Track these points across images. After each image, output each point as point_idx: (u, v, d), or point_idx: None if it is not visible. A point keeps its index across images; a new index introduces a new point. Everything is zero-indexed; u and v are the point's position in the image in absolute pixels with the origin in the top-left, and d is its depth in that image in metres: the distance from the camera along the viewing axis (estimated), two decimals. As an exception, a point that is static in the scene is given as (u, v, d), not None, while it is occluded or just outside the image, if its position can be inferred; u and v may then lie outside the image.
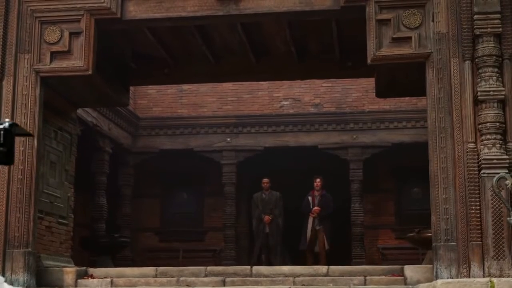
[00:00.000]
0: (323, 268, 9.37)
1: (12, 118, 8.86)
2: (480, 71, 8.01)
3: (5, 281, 1.84)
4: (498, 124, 7.87)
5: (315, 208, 13.62)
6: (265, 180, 14.11)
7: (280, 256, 13.81)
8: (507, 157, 7.83)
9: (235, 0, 8.90)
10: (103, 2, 8.96)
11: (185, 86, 16.04)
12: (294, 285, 8.84)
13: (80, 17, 9.00)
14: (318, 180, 13.82)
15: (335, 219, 14.25)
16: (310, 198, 13.85)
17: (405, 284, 8.59)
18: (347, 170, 15.12)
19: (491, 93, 7.91)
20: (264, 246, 13.86)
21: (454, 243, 7.90)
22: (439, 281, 7.44)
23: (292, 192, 14.15)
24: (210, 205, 16.57)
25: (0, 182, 8.83)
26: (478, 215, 7.77)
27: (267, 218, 13.86)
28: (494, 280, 7.13)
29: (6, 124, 2.71)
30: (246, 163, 15.54)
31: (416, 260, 11.88)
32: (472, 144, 7.97)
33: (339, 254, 13.37)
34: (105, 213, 14.32)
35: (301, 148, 15.18)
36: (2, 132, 2.69)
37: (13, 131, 2.74)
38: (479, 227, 7.77)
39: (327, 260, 12.87)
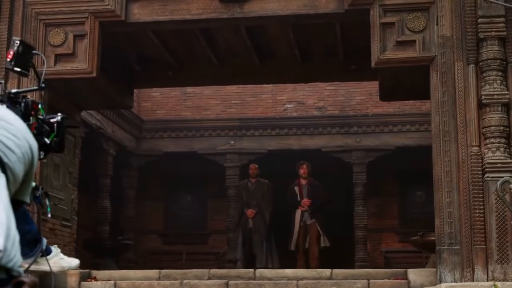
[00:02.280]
0: (326, 271, 9.37)
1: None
2: (484, 74, 8.01)
3: None
4: (502, 127, 7.87)
5: (305, 200, 12.01)
6: (253, 166, 12.79)
7: (266, 253, 12.06)
8: (511, 161, 7.82)
9: (239, 3, 8.91)
10: (108, 5, 8.98)
11: (189, 89, 16.05)
12: (297, 288, 8.84)
13: (84, 19, 9.02)
14: (304, 166, 12.21)
15: (337, 220, 14.22)
16: (296, 188, 12.24)
17: (409, 287, 8.59)
18: (351, 173, 15.10)
19: (495, 96, 7.90)
20: (247, 243, 12.23)
21: (458, 247, 7.89)
22: (443, 285, 7.44)
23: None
24: (213, 208, 16.57)
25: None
26: (482, 218, 7.77)
27: (250, 212, 12.27)
28: (498, 284, 7.13)
29: (59, 118, 3.00)
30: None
31: (419, 264, 11.87)
32: (476, 148, 7.96)
33: (342, 257, 13.32)
34: (108, 215, 14.33)
35: (305, 151, 15.17)
36: (55, 124, 2.98)
37: (64, 123, 3.04)
38: (483, 230, 7.76)
39: (320, 260, 11.73)
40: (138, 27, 9.53)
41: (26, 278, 1.63)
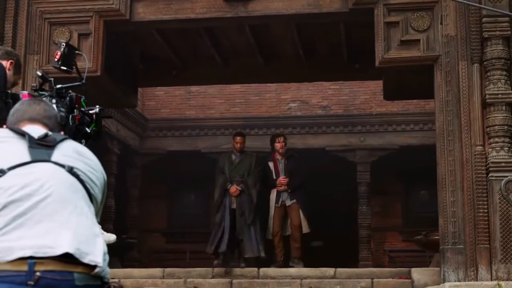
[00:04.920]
0: (330, 270, 9.38)
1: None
2: (488, 74, 8.00)
3: None
4: (506, 127, 7.86)
5: (281, 178, 10.35)
6: (238, 138, 10.68)
7: (256, 240, 10.10)
8: (515, 160, 7.82)
9: (243, 2, 8.92)
10: (112, 4, 8.99)
11: (193, 88, 16.06)
12: (301, 287, 8.85)
13: (89, 18, 9.04)
14: (281, 139, 10.55)
15: (341, 219, 14.19)
16: (271, 164, 10.54)
17: (412, 287, 8.59)
18: (355, 172, 15.10)
19: (500, 96, 7.89)
20: (229, 228, 10.15)
21: (461, 246, 7.88)
22: (447, 284, 7.44)
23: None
24: (217, 207, 16.57)
25: (8, 182, 8.87)
26: (486, 218, 7.76)
27: (234, 188, 10.21)
28: (502, 283, 7.13)
29: (97, 109, 3.39)
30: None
31: (423, 263, 11.86)
32: (480, 147, 7.96)
33: (345, 256, 13.31)
34: (112, 214, 14.34)
35: (309, 150, 15.16)
36: (94, 115, 3.37)
37: (101, 114, 3.42)
38: (486, 230, 7.75)
39: (303, 249, 10.36)
40: (142, 26, 9.54)
41: (115, 284, 2.50)
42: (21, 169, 2.17)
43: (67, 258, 2.04)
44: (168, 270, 9.61)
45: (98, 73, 9.06)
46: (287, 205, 10.33)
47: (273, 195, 10.39)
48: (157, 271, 9.67)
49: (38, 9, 9.11)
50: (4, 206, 2.09)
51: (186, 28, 10.05)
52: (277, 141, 10.53)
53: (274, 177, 10.41)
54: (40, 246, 2.02)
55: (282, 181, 10.30)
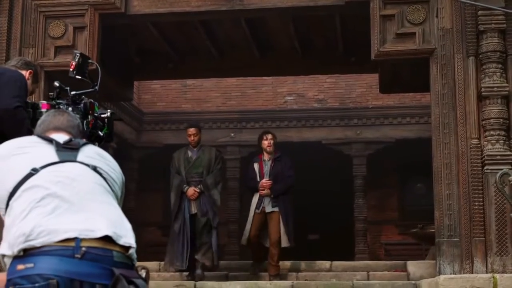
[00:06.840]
0: (326, 263, 9.41)
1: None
2: (484, 67, 8.00)
3: None
4: (502, 120, 7.86)
5: (264, 181, 9.17)
6: (191, 130, 9.32)
7: (212, 251, 8.92)
8: (510, 153, 7.82)
9: (239, -5, 8.90)
10: (107, -3, 8.96)
11: (189, 81, 16.06)
12: (297, 280, 8.86)
13: (84, 11, 9.00)
14: (269, 136, 9.35)
15: (337, 213, 14.17)
16: (256, 165, 9.42)
17: (408, 279, 8.62)
18: (351, 165, 15.12)
19: (495, 89, 7.89)
20: (188, 237, 8.93)
21: (457, 239, 7.89)
22: (442, 277, 7.45)
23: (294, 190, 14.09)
24: (213, 200, 16.57)
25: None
26: (481, 211, 7.77)
27: (191, 191, 9.03)
28: (497, 276, 7.15)
29: (108, 113, 3.61)
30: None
31: (419, 256, 11.90)
32: (476, 140, 7.96)
33: (342, 249, 13.33)
34: (109, 207, 14.36)
35: (305, 143, 15.18)
36: (106, 119, 3.57)
37: (113, 117, 3.62)
38: (482, 223, 7.76)
39: (278, 264, 8.99)
40: (138, 19, 9.51)
41: (143, 266, 2.47)
42: (52, 167, 2.50)
43: (106, 239, 2.34)
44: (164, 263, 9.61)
45: (94, 67, 9.03)
46: (266, 211, 9.12)
47: (254, 199, 9.26)
48: (153, 264, 9.70)
49: (33, 2, 9.07)
50: (42, 198, 2.38)
51: (182, 21, 10.02)
52: (265, 138, 9.37)
53: (258, 180, 9.25)
54: (83, 230, 2.31)
55: (265, 184, 9.13)
